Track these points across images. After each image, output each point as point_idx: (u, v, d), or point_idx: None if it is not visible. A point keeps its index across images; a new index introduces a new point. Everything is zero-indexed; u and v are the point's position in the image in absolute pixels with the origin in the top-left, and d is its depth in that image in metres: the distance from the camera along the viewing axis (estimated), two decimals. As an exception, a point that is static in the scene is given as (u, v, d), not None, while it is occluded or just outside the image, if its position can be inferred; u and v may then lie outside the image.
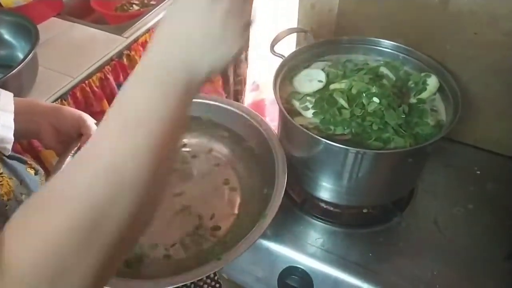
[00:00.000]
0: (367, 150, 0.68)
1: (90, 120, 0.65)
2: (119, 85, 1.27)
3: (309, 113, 0.78)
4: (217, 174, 0.86)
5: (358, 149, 0.68)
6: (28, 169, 0.60)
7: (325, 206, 0.87)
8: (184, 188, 0.83)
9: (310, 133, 0.70)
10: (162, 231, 0.75)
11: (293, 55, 0.87)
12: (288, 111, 0.78)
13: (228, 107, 0.90)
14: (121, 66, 1.30)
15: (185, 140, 0.92)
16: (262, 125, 0.86)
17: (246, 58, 1.83)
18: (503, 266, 0.77)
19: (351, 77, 0.80)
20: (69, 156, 0.63)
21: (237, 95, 1.96)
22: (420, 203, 0.87)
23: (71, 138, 0.65)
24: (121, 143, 0.32)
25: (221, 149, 0.91)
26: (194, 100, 0.37)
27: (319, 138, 0.69)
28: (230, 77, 1.90)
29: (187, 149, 0.91)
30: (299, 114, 0.79)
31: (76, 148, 0.64)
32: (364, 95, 0.74)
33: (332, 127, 0.75)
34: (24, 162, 0.60)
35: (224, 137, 0.92)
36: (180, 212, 0.79)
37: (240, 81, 1.90)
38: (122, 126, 0.32)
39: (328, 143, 0.68)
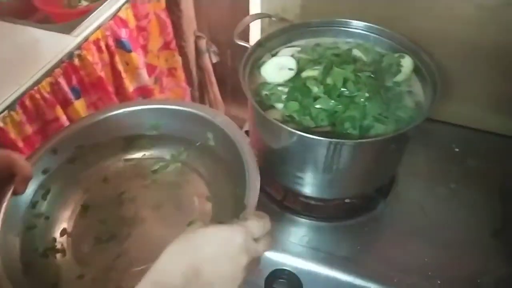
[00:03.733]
0: (349, 141, 0.64)
1: (20, 159, 0.56)
2: (73, 89, 1.17)
3: (282, 105, 0.73)
4: (184, 185, 0.71)
5: (339, 140, 0.64)
6: None
7: (306, 201, 0.83)
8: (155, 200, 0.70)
9: (287, 127, 0.64)
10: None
11: (259, 43, 0.81)
12: (259, 104, 0.73)
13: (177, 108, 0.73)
14: (72, 68, 1.19)
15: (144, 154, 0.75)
16: (216, 118, 0.69)
17: (207, 49, 1.76)
18: (492, 242, 0.76)
19: (323, 63, 0.75)
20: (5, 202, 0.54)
21: (203, 88, 1.88)
22: (403, 187, 0.84)
23: (2, 181, 0.56)
24: None
25: (183, 157, 0.74)
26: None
27: (297, 132, 0.64)
28: (193, 70, 1.82)
29: (149, 162, 0.74)
30: (272, 106, 0.74)
31: (10, 191, 0.54)
32: (342, 83, 0.70)
33: (308, 118, 0.70)
34: None
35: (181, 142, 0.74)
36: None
37: (203, 73, 1.82)
38: None
39: (307, 137, 0.63)
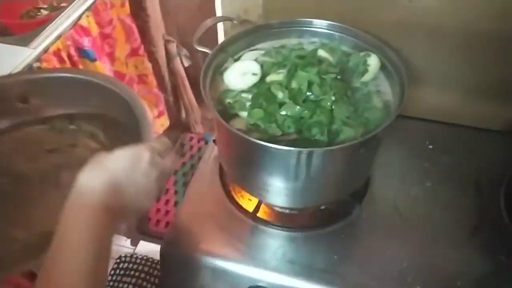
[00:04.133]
0: (316, 149, 0.61)
1: None
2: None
3: (246, 113, 0.70)
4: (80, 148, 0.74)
5: (304, 149, 0.60)
6: None
7: (280, 210, 0.80)
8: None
9: (249, 138, 0.61)
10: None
11: (220, 48, 0.77)
12: (222, 114, 0.69)
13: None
14: (31, 82, 1.13)
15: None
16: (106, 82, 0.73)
17: (178, 53, 1.71)
18: (470, 241, 0.74)
19: (288, 66, 0.72)
20: None
21: (177, 92, 1.84)
22: (378, 189, 0.82)
23: None
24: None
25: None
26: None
27: (260, 143, 0.60)
28: (165, 75, 1.77)
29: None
30: (236, 115, 0.70)
31: None
32: (307, 87, 0.66)
33: (274, 126, 0.67)
34: None
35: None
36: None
37: (176, 78, 1.77)
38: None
39: (272, 147, 0.60)
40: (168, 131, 1.96)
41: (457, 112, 0.92)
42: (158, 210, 1.52)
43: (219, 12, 0.96)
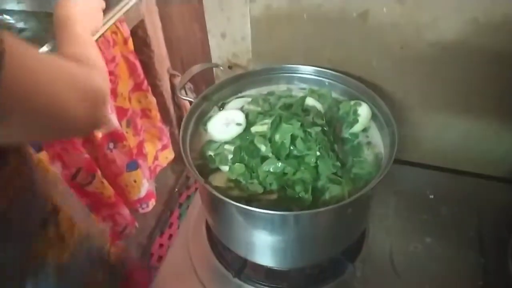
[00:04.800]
0: (298, 213, 0.57)
1: None
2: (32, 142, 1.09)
3: (228, 167, 0.66)
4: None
5: (286, 213, 0.56)
6: None
7: (268, 266, 0.75)
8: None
9: (224, 198, 0.56)
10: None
11: (204, 96, 0.75)
12: (202, 168, 0.65)
13: None
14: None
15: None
16: None
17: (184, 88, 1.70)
18: (474, 305, 0.68)
19: (272, 117, 0.68)
20: None
21: (181, 122, 1.82)
22: (373, 246, 0.76)
23: None
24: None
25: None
26: None
27: (238, 205, 0.56)
28: (170, 108, 1.76)
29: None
30: (217, 169, 0.67)
31: None
32: (291, 141, 0.63)
33: (256, 182, 0.63)
34: None
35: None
36: None
37: (182, 110, 1.76)
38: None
39: (250, 210, 0.56)
40: (173, 164, 1.94)
41: (458, 156, 0.86)
42: (161, 245, 1.48)
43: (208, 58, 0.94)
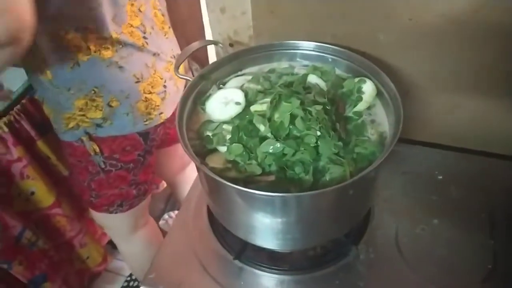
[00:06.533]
0: (294, 195, 0.54)
1: None
2: (36, 126, 1.08)
3: (226, 148, 0.64)
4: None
5: (283, 195, 0.54)
6: None
7: (268, 249, 0.73)
8: None
9: (220, 179, 0.54)
10: None
11: (202, 75, 0.72)
12: (199, 149, 0.63)
13: None
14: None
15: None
16: None
17: (190, 68, 1.68)
18: (483, 289, 0.65)
19: (273, 94, 0.66)
20: None
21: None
22: (379, 227, 0.74)
23: None
24: None
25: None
26: None
27: (234, 186, 0.54)
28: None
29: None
30: (214, 150, 0.65)
31: None
32: (290, 121, 0.60)
33: (254, 163, 0.61)
34: None
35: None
36: None
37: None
38: None
39: (247, 192, 0.53)
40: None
41: (467, 135, 0.82)
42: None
43: (208, 35, 0.91)
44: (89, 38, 0.78)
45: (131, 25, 0.85)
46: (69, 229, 1.26)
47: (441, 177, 0.79)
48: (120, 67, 0.83)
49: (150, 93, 0.89)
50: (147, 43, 0.88)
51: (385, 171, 0.73)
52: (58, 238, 1.25)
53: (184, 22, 1.65)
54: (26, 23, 0.61)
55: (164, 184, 1.49)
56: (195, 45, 0.78)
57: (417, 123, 0.84)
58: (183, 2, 1.64)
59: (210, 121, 0.68)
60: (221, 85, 0.74)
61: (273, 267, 0.71)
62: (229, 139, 0.64)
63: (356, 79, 0.69)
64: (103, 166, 0.92)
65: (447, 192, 0.77)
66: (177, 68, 0.73)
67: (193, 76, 1.87)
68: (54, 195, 1.17)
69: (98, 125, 0.86)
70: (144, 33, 0.87)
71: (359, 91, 0.67)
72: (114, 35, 0.81)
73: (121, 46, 0.82)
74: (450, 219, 0.73)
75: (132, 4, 0.84)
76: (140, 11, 0.87)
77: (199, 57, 1.63)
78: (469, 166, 0.81)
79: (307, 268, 0.70)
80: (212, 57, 1.30)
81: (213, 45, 0.92)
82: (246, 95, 0.69)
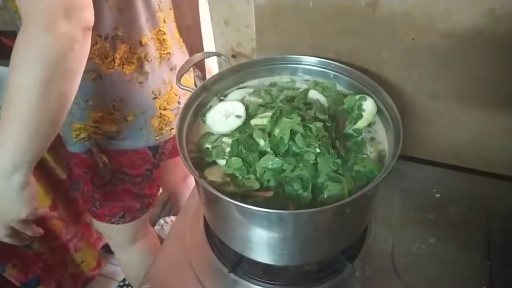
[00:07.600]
0: (293, 212, 0.54)
1: None
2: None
3: (225, 161, 0.64)
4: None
5: (281, 212, 0.54)
6: None
7: (264, 263, 0.73)
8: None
9: (220, 195, 0.54)
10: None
11: (204, 87, 0.72)
12: (198, 161, 0.63)
13: None
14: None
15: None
16: None
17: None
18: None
19: (273, 109, 0.66)
20: None
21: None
22: (375, 245, 0.73)
23: None
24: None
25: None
26: None
27: (232, 201, 0.54)
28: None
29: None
30: (214, 162, 0.65)
31: None
32: (290, 137, 0.60)
33: (253, 178, 0.61)
34: None
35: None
36: None
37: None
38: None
39: (244, 207, 0.53)
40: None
41: (468, 154, 0.82)
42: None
43: (207, 45, 0.91)
44: (118, 47, 0.78)
45: (164, 33, 0.85)
46: (65, 232, 1.26)
47: (439, 195, 0.80)
48: (141, 82, 0.83)
49: (165, 109, 0.89)
50: (171, 54, 0.88)
51: (383, 188, 0.73)
52: (53, 241, 1.24)
53: (189, 28, 1.66)
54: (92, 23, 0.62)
55: (160, 189, 1.49)
56: (198, 56, 0.79)
57: (417, 141, 0.84)
58: (188, 10, 1.65)
59: (210, 133, 0.69)
60: (222, 97, 0.75)
61: (268, 282, 0.70)
62: (228, 152, 0.64)
63: (357, 96, 0.69)
64: (109, 179, 0.91)
65: (444, 211, 0.77)
66: (179, 79, 0.73)
67: (195, 83, 1.87)
68: (50, 198, 1.16)
69: (111, 138, 0.85)
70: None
71: (360, 108, 0.67)
72: (144, 40, 0.80)
73: (146, 61, 0.82)
74: (447, 238, 0.73)
75: (161, 11, 0.85)
76: (165, 22, 0.87)
77: (198, 63, 1.63)
78: (467, 185, 0.81)
79: (302, 284, 0.70)
80: (214, 68, 1.30)
81: (215, 57, 0.92)
82: (247, 108, 0.70)
